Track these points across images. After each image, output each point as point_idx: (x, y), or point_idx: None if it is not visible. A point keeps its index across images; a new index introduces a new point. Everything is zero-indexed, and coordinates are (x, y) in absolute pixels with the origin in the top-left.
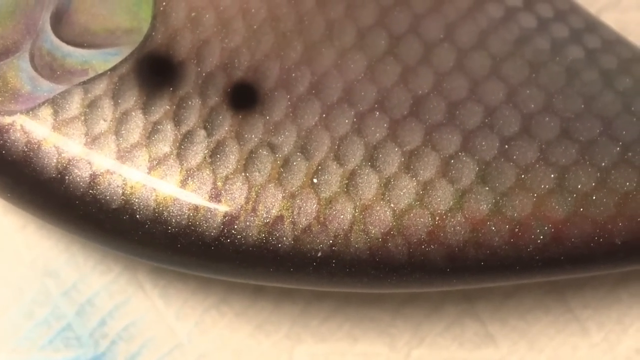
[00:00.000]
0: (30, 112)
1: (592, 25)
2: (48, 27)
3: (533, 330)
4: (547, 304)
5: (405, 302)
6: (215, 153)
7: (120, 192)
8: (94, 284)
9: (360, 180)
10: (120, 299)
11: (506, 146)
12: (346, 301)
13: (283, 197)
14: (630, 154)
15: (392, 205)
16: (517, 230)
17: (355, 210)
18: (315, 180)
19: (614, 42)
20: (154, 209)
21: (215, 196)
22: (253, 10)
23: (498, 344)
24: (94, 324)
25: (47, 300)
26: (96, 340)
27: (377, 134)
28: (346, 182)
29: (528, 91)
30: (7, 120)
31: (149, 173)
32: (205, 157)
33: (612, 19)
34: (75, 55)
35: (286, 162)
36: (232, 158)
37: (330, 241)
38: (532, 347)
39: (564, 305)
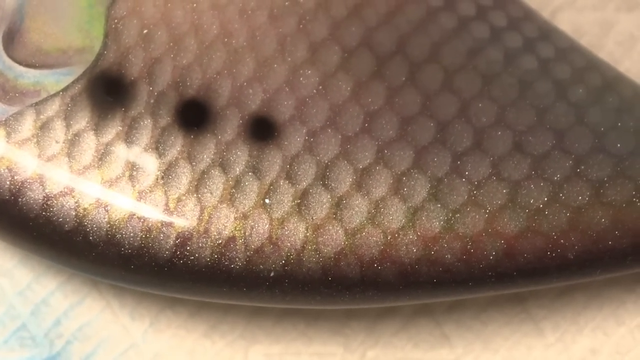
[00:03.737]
0: None
1: (546, 33)
2: (0, 47)
3: (488, 330)
4: (502, 304)
5: None
6: (167, 174)
7: (73, 214)
8: (48, 283)
9: (312, 200)
10: (75, 299)
11: (458, 162)
12: None
13: (235, 217)
14: (582, 167)
15: (344, 224)
16: (469, 246)
17: (307, 230)
18: (267, 201)
19: (567, 49)
20: (107, 230)
21: (168, 218)
22: (205, 26)
23: (453, 344)
24: (49, 324)
25: (2, 300)
26: (51, 340)
27: (329, 152)
28: (298, 201)
29: (480, 104)
30: None
31: (101, 195)
32: (157, 179)
33: (567, 19)
34: (27, 75)
35: (238, 183)
36: (184, 179)
37: (283, 261)
38: (487, 347)
39: (519, 305)
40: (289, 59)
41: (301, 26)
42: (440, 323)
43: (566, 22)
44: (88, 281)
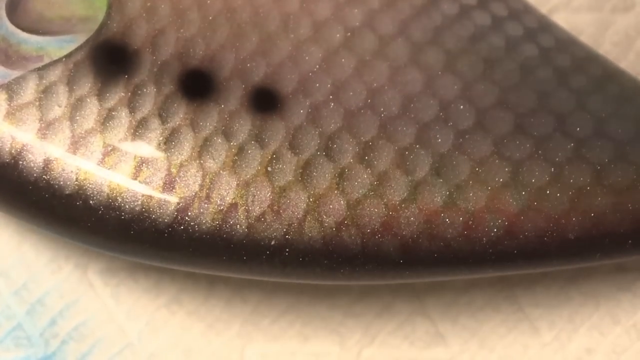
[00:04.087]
0: None
1: (546, 26)
2: (3, 14)
3: (484, 329)
4: (497, 302)
5: (356, 301)
6: (169, 140)
7: (74, 177)
8: (44, 283)
9: (314, 170)
10: (70, 299)
11: (460, 140)
12: (297, 300)
13: (237, 185)
14: (584, 150)
15: (346, 195)
16: (470, 222)
17: (309, 200)
18: (269, 169)
19: (567, 41)
20: (108, 195)
21: (169, 183)
22: (209, 1)
23: (449, 343)
24: (44, 324)
25: None
26: (47, 340)
27: (332, 125)
28: (300, 171)
29: (482, 86)
30: None
31: (103, 159)
32: (159, 144)
33: (562, 19)
34: (30, 41)
35: (241, 151)
36: (186, 145)
37: (284, 230)
38: (482, 346)
39: (515, 304)
40: (292, 36)
41: (304, 5)
42: (435, 322)
43: (562, 22)
44: (84, 281)
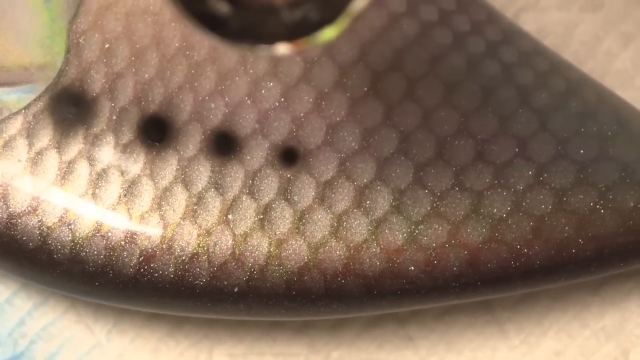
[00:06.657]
0: None
1: (509, 36)
2: None
3: (452, 332)
4: (466, 306)
5: None
6: (129, 192)
7: (37, 232)
8: (12, 284)
9: (274, 215)
10: (39, 299)
11: (421, 173)
12: None
13: (198, 234)
14: (545, 175)
15: (307, 238)
16: (432, 258)
17: (270, 245)
18: (230, 216)
19: (530, 53)
20: (71, 248)
21: (131, 235)
22: (166, 39)
23: (417, 346)
24: (12, 324)
25: None
26: (15, 340)
27: (292, 166)
28: (261, 217)
29: (443, 113)
30: None
31: (65, 213)
32: (120, 196)
33: (531, 19)
34: None
35: (200, 199)
36: (146, 196)
37: (247, 276)
38: (451, 349)
39: (483, 307)
40: (251, 71)
41: None
42: (404, 324)
43: (530, 23)
44: None
